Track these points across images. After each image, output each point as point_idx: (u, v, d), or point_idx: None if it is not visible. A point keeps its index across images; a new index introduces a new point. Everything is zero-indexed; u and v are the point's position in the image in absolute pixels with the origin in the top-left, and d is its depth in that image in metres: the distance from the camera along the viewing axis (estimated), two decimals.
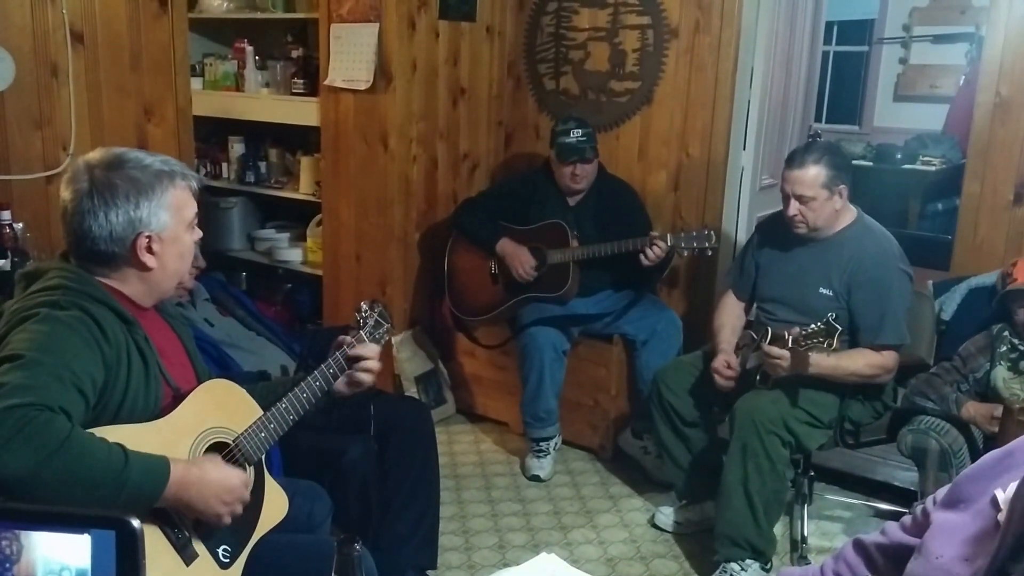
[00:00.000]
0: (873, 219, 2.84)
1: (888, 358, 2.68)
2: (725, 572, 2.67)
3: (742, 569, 2.65)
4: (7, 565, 0.97)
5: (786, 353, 2.53)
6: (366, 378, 1.95)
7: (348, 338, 1.96)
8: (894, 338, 2.67)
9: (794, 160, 2.72)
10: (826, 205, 2.69)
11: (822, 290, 2.75)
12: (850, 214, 2.78)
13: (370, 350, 1.95)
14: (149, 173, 1.66)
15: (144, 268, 1.69)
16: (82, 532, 0.96)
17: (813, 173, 2.66)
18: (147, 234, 1.66)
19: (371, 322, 2.00)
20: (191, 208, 1.74)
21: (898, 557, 1.19)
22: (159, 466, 1.51)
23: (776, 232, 2.89)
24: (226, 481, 1.62)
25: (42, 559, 0.97)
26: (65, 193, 1.66)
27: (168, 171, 1.68)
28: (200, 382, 1.79)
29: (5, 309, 1.63)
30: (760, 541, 2.66)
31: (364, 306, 2.02)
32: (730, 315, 3.00)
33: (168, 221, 1.68)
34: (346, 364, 1.94)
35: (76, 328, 1.55)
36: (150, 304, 1.77)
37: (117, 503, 1.44)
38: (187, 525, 1.63)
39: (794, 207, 2.71)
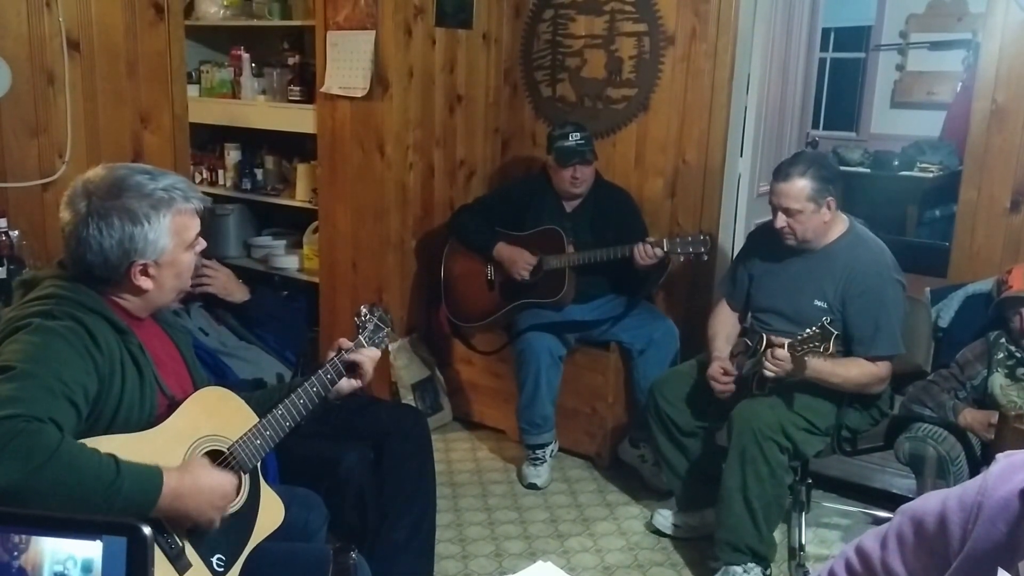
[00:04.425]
0: (866, 228, 2.84)
1: (882, 368, 2.68)
2: (728, 575, 2.66)
3: (744, 572, 2.65)
4: (15, 554, 0.99)
5: (788, 356, 2.53)
6: (349, 386, 1.96)
7: (346, 341, 1.96)
8: (888, 349, 2.67)
9: (780, 173, 2.72)
10: (813, 217, 2.69)
11: (817, 302, 2.74)
12: (842, 224, 2.78)
13: (367, 355, 1.95)
14: (147, 203, 1.64)
15: (140, 291, 1.69)
16: (94, 538, 0.98)
17: (799, 186, 2.66)
18: (141, 262, 1.65)
19: (371, 326, 2.00)
20: (192, 230, 1.72)
21: None
22: (152, 477, 1.51)
23: (768, 242, 2.88)
24: (219, 487, 1.62)
25: (50, 549, 0.99)
26: (64, 213, 1.65)
27: (168, 198, 1.66)
28: (197, 390, 1.79)
29: (2, 316, 1.63)
30: (761, 546, 2.66)
31: (364, 310, 2.02)
32: (724, 323, 3.00)
33: (166, 247, 1.67)
34: (344, 369, 1.94)
35: (68, 338, 1.54)
36: (146, 315, 1.76)
37: (110, 514, 1.43)
38: (180, 534, 1.63)
39: (782, 220, 2.71)
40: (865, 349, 2.68)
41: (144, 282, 1.68)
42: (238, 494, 1.70)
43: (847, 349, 2.70)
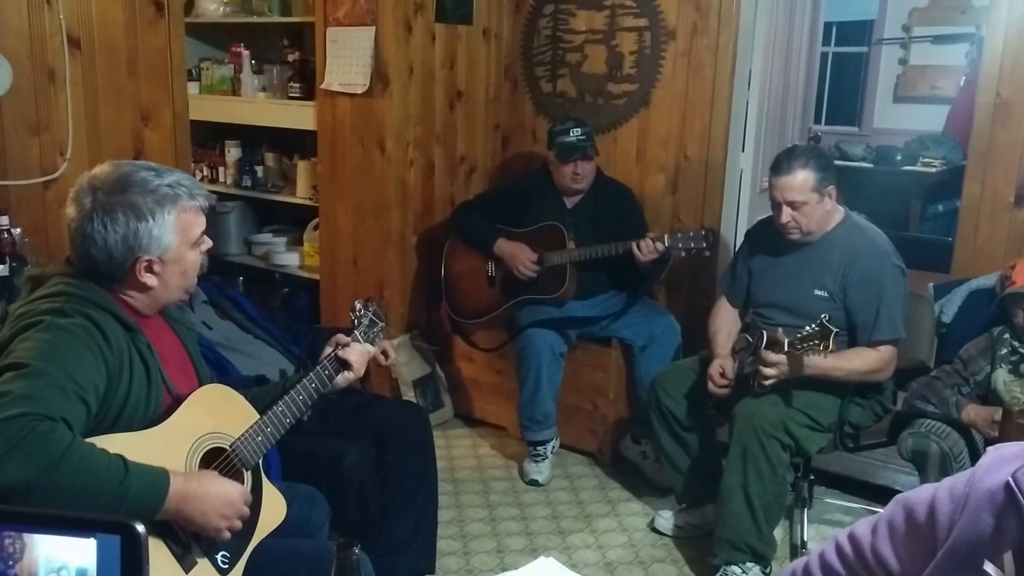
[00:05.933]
0: (862, 217, 2.84)
1: (885, 354, 2.67)
2: (726, 575, 2.66)
3: (743, 572, 2.64)
4: (10, 563, 0.98)
5: (783, 358, 2.53)
6: (343, 380, 1.97)
7: (343, 337, 1.96)
8: (890, 333, 2.66)
9: (780, 167, 2.69)
10: (817, 208, 2.69)
11: (817, 292, 2.74)
12: (839, 213, 2.79)
13: (358, 351, 1.96)
14: (152, 199, 1.63)
15: (145, 288, 1.69)
16: (88, 536, 0.98)
17: (802, 178, 2.65)
18: (146, 258, 1.65)
19: (365, 321, 2.02)
20: (197, 227, 1.72)
21: None
22: (159, 478, 1.51)
23: (767, 237, 2.88)
24: (225, 495, 1.61)
25: (44, 557, 0.99)
26: (70, 210, 1.65)
27: (173, 195, 1.66)
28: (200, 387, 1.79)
29: (11, 311, 1.63)
30: (760, 545, 2.65)
31: (358, 305, 2.04)
32: (725, 319, 2.99)
33: (171, 243, 1.67)
34: (340, 365, 1.95)
35: (80, 336, 1.55)
36: (153, 312, 1.77)
37: (116, 515, 1.43)
38: (185, 532, 1.63)
39: (787, 214, 2.70)
40: (867, 335, 2.67)
41: (149, 279, 1.68)
42: (247, 504, 1.68)
43: (850, 336, 2.70)
